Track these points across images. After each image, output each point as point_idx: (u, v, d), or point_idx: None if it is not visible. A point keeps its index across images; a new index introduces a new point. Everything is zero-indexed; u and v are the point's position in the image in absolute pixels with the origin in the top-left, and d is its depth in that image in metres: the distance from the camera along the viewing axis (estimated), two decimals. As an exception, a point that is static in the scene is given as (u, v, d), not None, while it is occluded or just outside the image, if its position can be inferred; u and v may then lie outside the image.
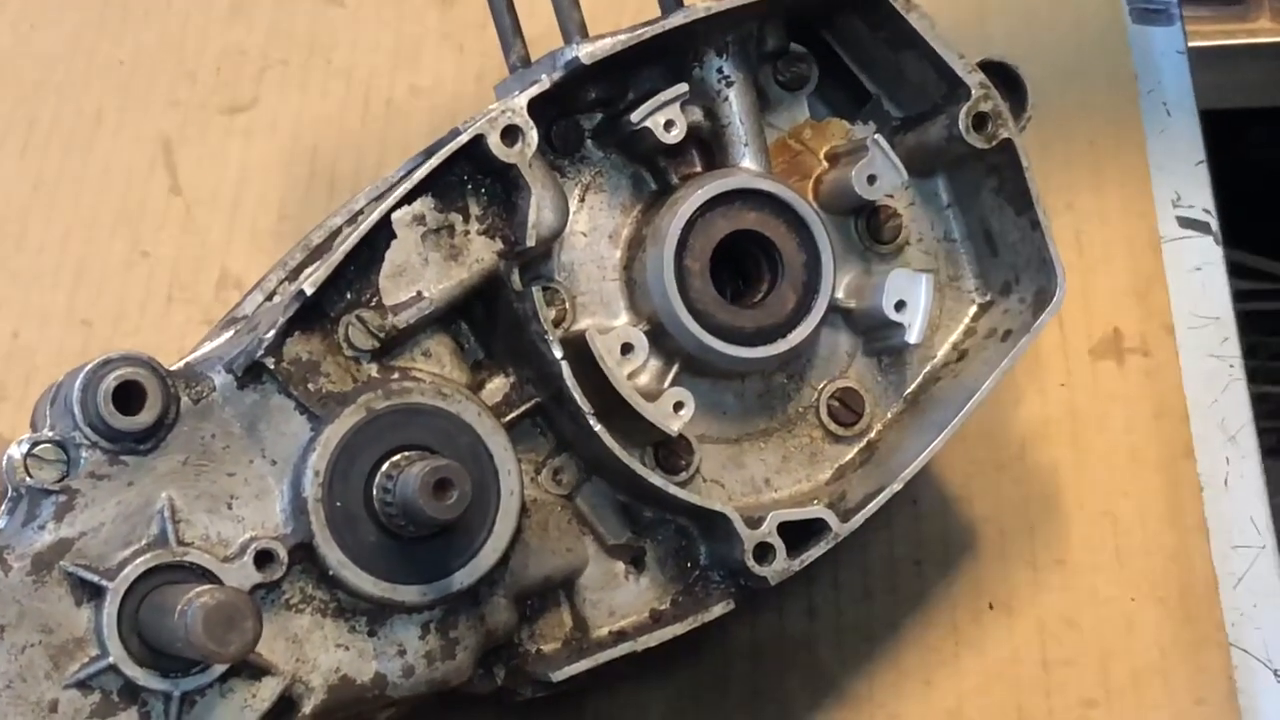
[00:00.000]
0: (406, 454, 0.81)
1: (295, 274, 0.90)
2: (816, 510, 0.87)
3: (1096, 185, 1.09)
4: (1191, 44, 1.19)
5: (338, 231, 0.91)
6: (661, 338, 0.88)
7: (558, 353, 0.84)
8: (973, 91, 0.90)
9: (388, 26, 1.21)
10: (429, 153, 0.89)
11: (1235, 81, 1.21)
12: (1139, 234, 1.08)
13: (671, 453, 0.89)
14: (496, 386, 0.87)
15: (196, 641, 0.71)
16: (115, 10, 1.28)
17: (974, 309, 0.95)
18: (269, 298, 0.90)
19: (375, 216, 0.82)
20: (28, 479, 0.79)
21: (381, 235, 0.83)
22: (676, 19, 0.87)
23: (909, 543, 0.96)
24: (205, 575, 0.79)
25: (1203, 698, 0.93)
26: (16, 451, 0.79)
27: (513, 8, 0.98)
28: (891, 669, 0.97)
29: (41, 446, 0.79)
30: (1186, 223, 1.09)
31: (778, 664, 0.96)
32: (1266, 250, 2.04)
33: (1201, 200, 1.10)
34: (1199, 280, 1.06)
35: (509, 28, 0.97)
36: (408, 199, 0.83)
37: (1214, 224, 1.09)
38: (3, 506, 0.81)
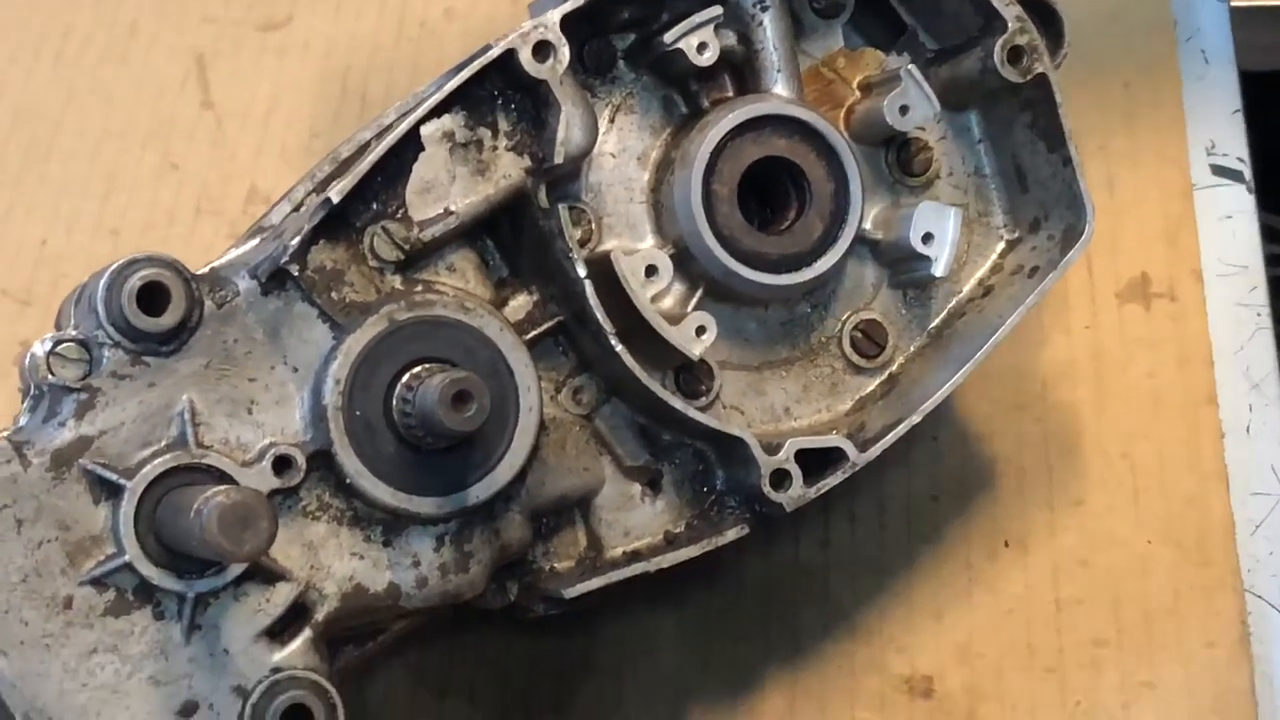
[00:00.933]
0: (427, 366, 0.81)
1: (323, 186, 0.90)
2: (835, 439, 0.87)
3: (1130, 129, 1.09)
4: (1235, 3, 1.19)
5: (366, 145, 0.91)
6: (687, 262, 0.88)
7: (581, 271, 0.84)
8: (1009, 25, 0.90)
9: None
10: (461, 68, 0.90)
11: (1264, 43, 1.21)
12: (1171, 179, 1.08)
13: (693, 377, 0.89)
14: (520, 304, 0.87)
15: (211, 539, 0.72)
16: None
17: (1002, 245, 0.95)
18: (296, 209, 0.90)
19: (404, 128, 0.82)
20: (50, 377, 0.80)
21: (409, 148, 0.83)
22: (719, -59, 0.87)
23: (927, 478, 0.96)
24: (223, 478, 0.80)
25: (1213, 641, 0.93)
26: (40, 349, 0.80)
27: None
28: (903, 603, 0.97)
29: (65, 345, 0.80)
30: (1220, 170, 1.08)
31: (790, 594, 0.97)
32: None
33: (1236, 149, 1.10)
34: (1229, 228, 1.06)
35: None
36: (436, 112, 0.83)
37: (1247, 173, 1.09)
38: (25, 404, 0.82)
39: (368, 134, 0.91)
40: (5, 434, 0.79)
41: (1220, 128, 1.11)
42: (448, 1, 1.18)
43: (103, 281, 0.79)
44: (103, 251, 1.07)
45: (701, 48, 0.87)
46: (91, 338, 0.80)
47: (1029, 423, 1.00)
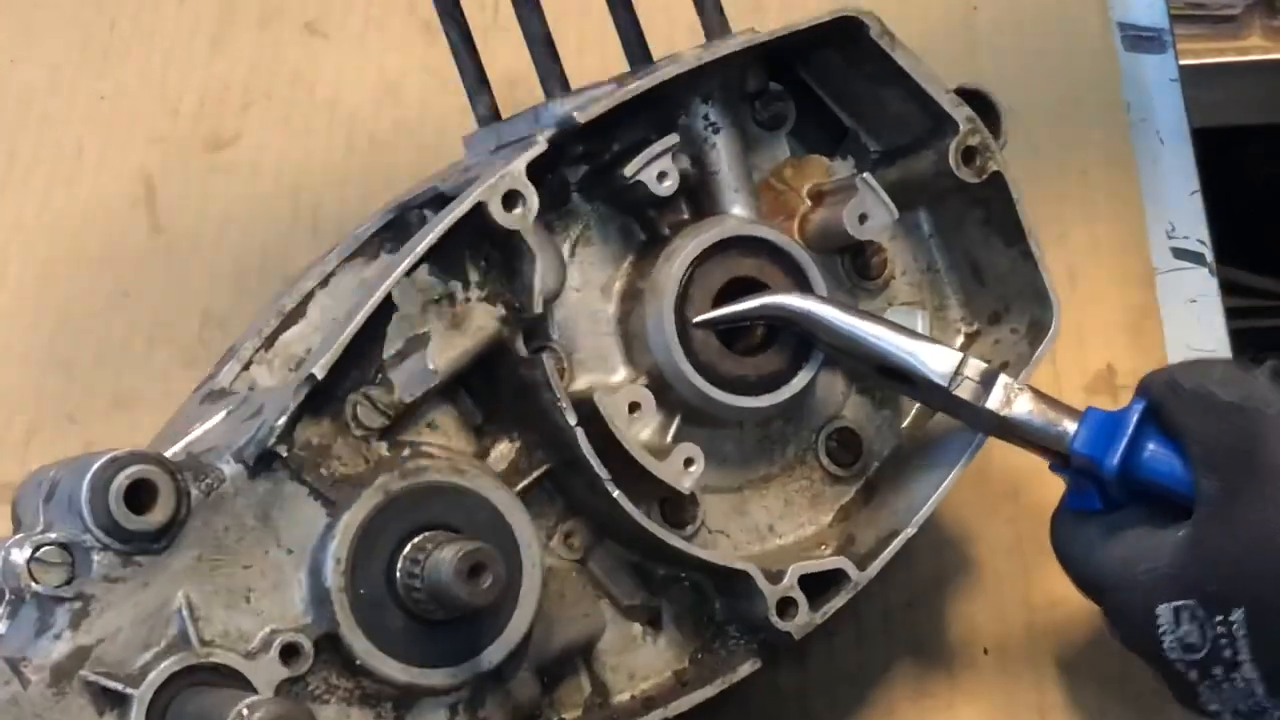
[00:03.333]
0: (429, 534, 0.81)
1: (270, 341, 0.90)
2: (836, 561, 0.88)
3: (1089, 217, 1.11)
4: (1184, 62, 1.21)
5: (310, 295, 0.91)
6: (662, 390, 0.88)
7: (572, 420, 0.84)
8: (960, 126, 0.91)
9: (371, 59, 1.21)
10: (404, 207, 0.89)
11: (1228, 99, 1.24)
12: (1132, 266, 1.10)
13: (677, 507, 0.89)
14: (502, 453, 0.86)
15: (255, 760, 0.71)
16: (97, 45, 1.28)
17: (961, 338, 0.96)
18: (245, 367, 0.90)
19: (378, 297, 0.81)
20: (34, 584, 0.78)
21: (383, 310, 0.82)
22: (669, 70, 0.86)
23: (901, 585, 0.96)
24: (232, 675, 0.78)
25: None
26: (19, 556, 0.78)
27: (476, 56, 0.98)
28: (884, 716, 0.98)
29: (45, 549, 0.78)
30: (1181, 253, 1.11)
31: (770, 713, 0.97)
32: (1262, 268, 2.09)
33: (1196, 231, 1.12)
34: (1194, 312, 1.08)
35: (474, 77, 0.97)
36: (410, 272, 0.83)
37: (1209, 255, 1.10)
38: (2, 609, 0.81)
39: (310, 283, 0.91)
40: (1, 654, 0.77)
41: (1179, 210, 1.13)
42: (396, 113, 1.17)
43: (86, 483, 0.77)
44: (56, 386, 1.05)
45: (661, 176, 0.88)
46: (77, 542, 0.78)
47: (1001, 524, 1.02)
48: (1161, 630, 0.83)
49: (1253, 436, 0.82)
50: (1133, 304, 1.10)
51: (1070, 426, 0.87)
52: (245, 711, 0.72)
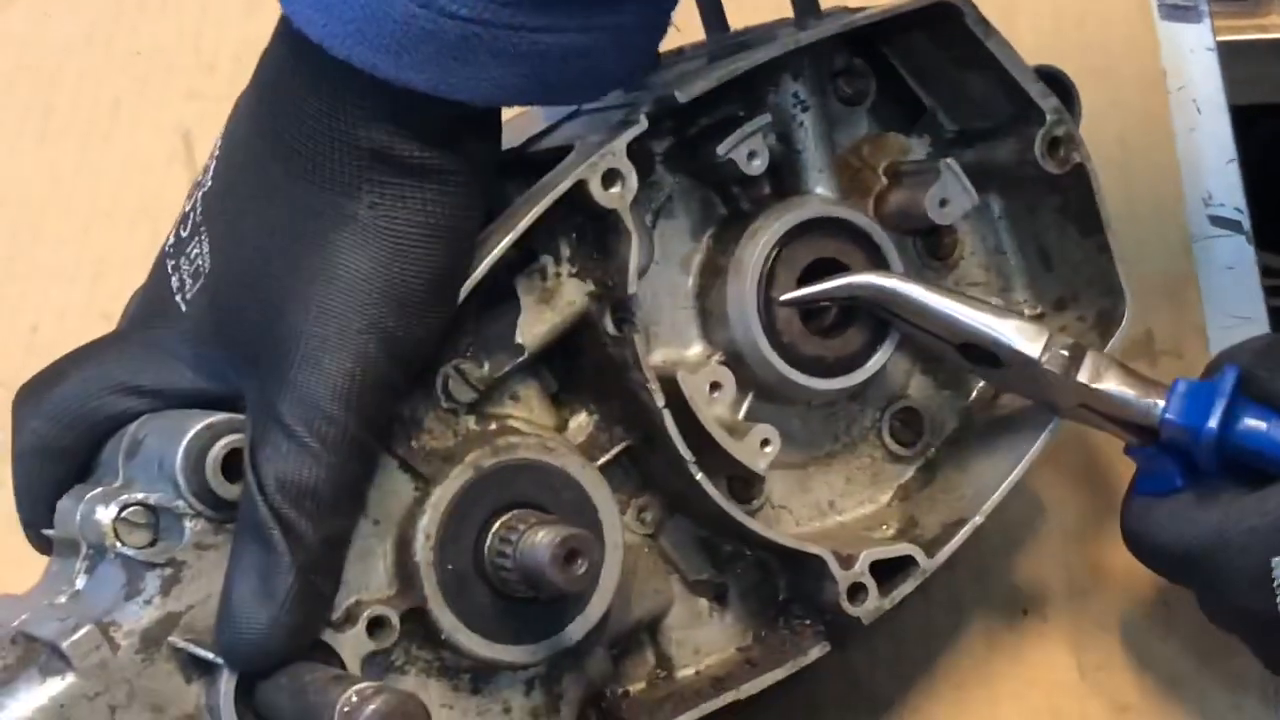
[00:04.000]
0: (518, 513, 0.81)
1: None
2: (907, 548, 0.89)
3: (1127, 184, 1.10)
4: None
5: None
6: (737, 367, 0.88)
7: (660, 402, 0.84)
8: (1048, 116, 0.91)
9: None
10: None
11: (1249, 76, 1.24)
12: (1170, 234, 1.11)
13: (745, 483, 0.90)
14: (580, 424, 0.87)
15: (367, 754, 0.71)
16: (132, 2, 1.25)
17: (1025, 321, 0.97)
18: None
19: (483, 268, 0.81)
20: (119, 545, 0.78)
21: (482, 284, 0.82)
22: (770, 51, 0.86)
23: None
24: (319, 646, 0.79)
25: (1238, 704, 0.95)
26: (104, 514, 0.78)
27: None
28: (924, 673, 0.98)
29: (132, 510, 0.78)
30: (1218, 221, 1.11)
31: (810, 668, 0.97)
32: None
33: (1233, 199, 1.12)
34: (1231, 279, 1.09)
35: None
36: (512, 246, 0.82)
37: (1246, 223, 1.11)
38: (78, 563, 0.80)
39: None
40: (91, 617, 0.77)
41: (1216, 178, 1.13)
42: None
43: (181, 450, 0.77)
44: (95, 336, 1.05)
45: (752, 155, 0.87)
46: (169, 507, 0.78)
47: (1044, 487, 1.02)
48: (1276, 584, 0.81)
49: None
50: (1170, 270, 1.10)
51: (1159, 398, 0.87)
52: (355, 698, 0.72)
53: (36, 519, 0.84)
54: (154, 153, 1.17)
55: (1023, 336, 0.87)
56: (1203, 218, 1.13)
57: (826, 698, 0.98)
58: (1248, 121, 1.23)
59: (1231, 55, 1.24)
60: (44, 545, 0.85)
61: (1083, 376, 0.87)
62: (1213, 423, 0.85)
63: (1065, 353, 0.88)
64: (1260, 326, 1.09)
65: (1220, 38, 1.24)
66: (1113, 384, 0.87)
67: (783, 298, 0.87)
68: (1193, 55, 1.22)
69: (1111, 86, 1.18)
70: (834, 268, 0.90)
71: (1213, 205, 1.13)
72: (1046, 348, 0.88)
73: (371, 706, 0.71)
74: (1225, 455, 0.86)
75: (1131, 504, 0.90)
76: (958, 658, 0.99)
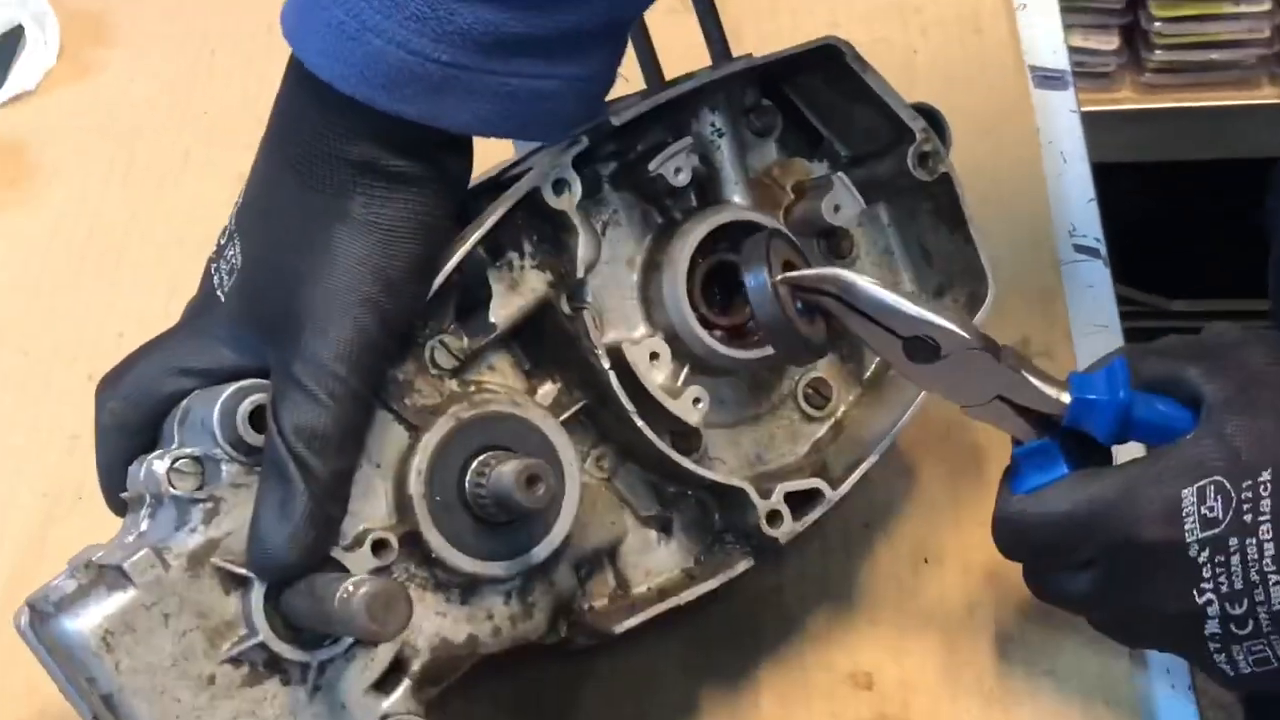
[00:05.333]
0: (492, 453, 0.81)
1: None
2: (814, 481, 0.89)
3: (1007, 219, 1.11)
4: None
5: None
6: (675, 344, 0.88)
7: (606, 364, 0.85)
8: (917, 135, 0.92)
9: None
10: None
11: (1103, 141, 1.25)
12: (1042, 258, 1.11)
13: (685, 438, 0.89)
14: (547, 391, 0.87)
15: (360, 623, 0.71)
16: (202, 70, 1.29)
17: (911, 307, 0.97)
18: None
19: (454, 262, 0.82)
20: (172, 490, 0.78)
21: (457, 272, 0.83)
22: (686, 85, 0.88)
23: (858, 509, 0.97)
24: (331, 562, 0.79)
25: (1097, 637, 0.92)
26: (160, 467, 0.78)
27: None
28: (845, 611, 0.97)
29: (182, 461, 0.79)
30: (1081, 249, 1.12)
31: (752, 607, 0.96)
32: (1135, 282, 2.11)
33: (1093, 231, 1.13)
34: (1090, 295, 1.09)
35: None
36: (481, 242, 0.83)
37: (1103, 250, 1.12)
38: (143, 511, 0.81)
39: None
40: (148, 544, 0.78)
41: (1079, 215, 1.14)
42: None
43: (217, 408, 0.78)
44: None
45: (677, 171, 0.88)
46: (208, 455, 0.79)
47: (937, 460, 1.02)
48: (1186, 511, 0.76)
49: (1239, 344, 0.80)
50: (1043, 287, 1.10)
51: (1062, 388, 0.82)
52: (351, 587, 0.72)
53: (114, 485, 0.84)
54: (216, 193, 1.17)
55: (964, 328, 0.83)
56: (1069, 246, 1.13)
57: (766, 628, 0.97)
58: (1109, 174, 1.24)
59: (1092, 121, 1.24)
60: (120, 508, 0.85)
61: (1006, 363, 0.83)
62: (1122, 393, 0.80)
63: (986, 345, 0.84)
64: (1115, 333, 1.09)
65: (1084, 108, 1.25)
66: (1028, 372, 0.83)
67: (778, 278, 0.84)
68: (1060, 116, 1.23)
69: (995, 140, 1.19)
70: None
71: (1076, 236, 1.14)
72: (976, 336, 0.83)
73: (364, 589, 0.71)
74: (1123, 430, 0.81)
75: (1011, 499, 0.83)
76: (872, 598, 0.98)
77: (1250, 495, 0.74)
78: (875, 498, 0.99)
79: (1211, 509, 0.75)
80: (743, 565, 0.88)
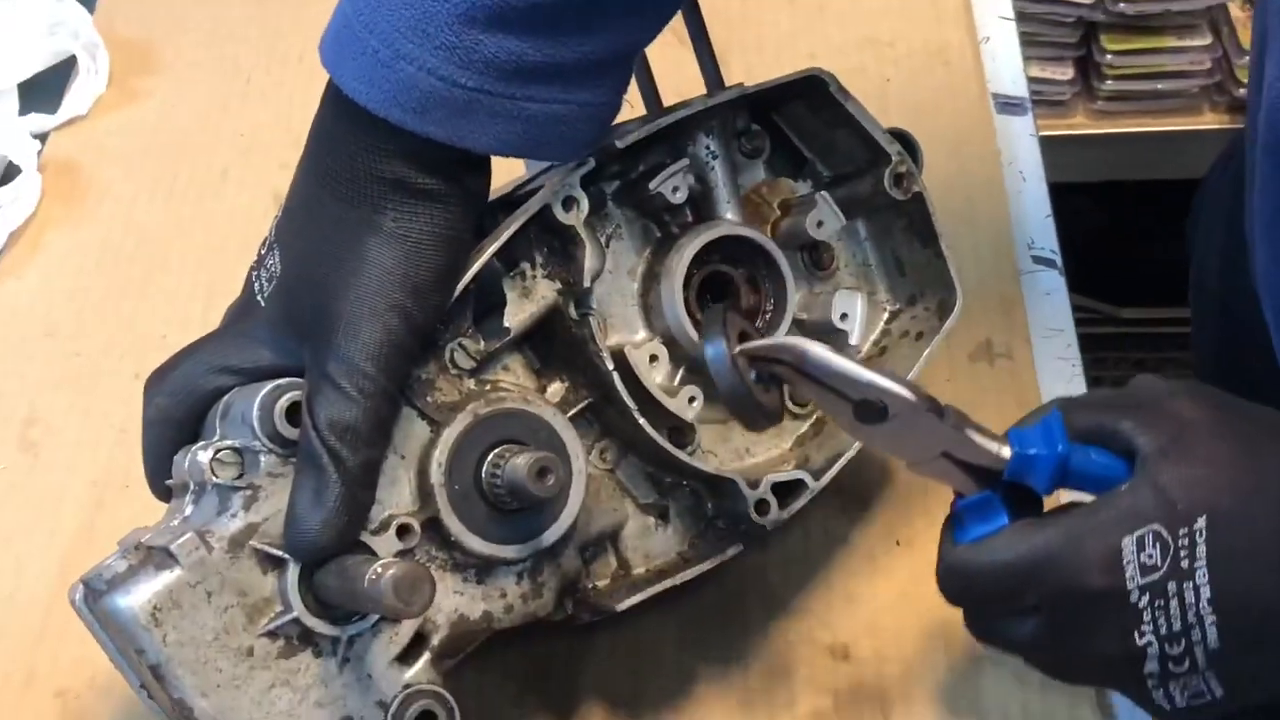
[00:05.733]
0: (505, 446, 0.82)
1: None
2: (798, 473, 0.89)
3: (971, 232, 1.13)
4: None
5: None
6: (672, 347, 0.89)
7: (610, 365, 0.85)
8: (892, 158, 0.93)
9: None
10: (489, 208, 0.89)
11: (1058, 162, 1.26)
12: (1004, 268, 1.12)
13: (681, 433, 0.90)
14: (555, 389, 0.87)
15: (388, 603, 0.72)
16: (237, 94, 1.30)
17: (887, 314, 0.97)
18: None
19: (475, 268, 0.82)
20: (214, 478, 0.79)
21: (474, 281, 0.83)
22: (683, 112, 0.88)
23: (836, 497, 0.97)
24: (360, 545, 0.79)
25: None
26: (204, 457, 0.79)
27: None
28: (825, 589, 0.98)
29: (223, 451, 0.79)
30: (1039, 260, 1.13)
31: (740, 586, 0.97)
32: (1088, 291, 2.12)
33: (1049, 244, 1.14)
34: (1047, 302, 1.09)
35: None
36: (496, 254, 0.84)
37: (1059, 261, 1.12)
38: (187, 497, 0.81)
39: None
40: (192, 528, 0.78)
41: (1037, 229, 1.15)
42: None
43: (256, 404, 0.78)
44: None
45: (675, 190, 0.89)
46: (249, 447, 0.79)
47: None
48: (1126, 559, 0.73)
49: (1168, 396, 0.77)
50: (1004, 294, 1.11)
51: (1003, 442, 0.78)
52: (380, 569, 0.73)
53: (159, 473, 0.85)
54: (251, 207, 1.19)
55: (911, 392, 0.78)
56: (1028, 257, 1.14)
57: (753, 606, 0.98)
58: (1065, 193, 1.25)
59: (1049, 145, 1.25)
60: (165, 494, 0.85)
61: (948, 423, 0.78)
62: (1060, 446, 0.76)
63: (932, 406, 0.78)
64: (1070, 336, 1.09)
65: (1041, 133, 1.26)
66: (970, 428, 0.78)
67: (735, 350, 0.81)
68: (1020, 140, 1.23)
69: (960, 160, 1.20)
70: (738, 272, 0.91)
71: (1035, 248, 1.15)
72: (923, 399, 0.79)
73: (391, 572, 0.72)
74: (1061, 481, 0.78)
75: (954, 549, 0.80)
76: (850, 577, 0.99)
77: (1186, 542, 0.73)
78: (851, 487, 1.00)
79: (1150, 556, 0.73)
80: (733, 549, 0.89)
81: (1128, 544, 0.74)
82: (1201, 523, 0.72)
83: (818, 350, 0.79)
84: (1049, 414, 0.78)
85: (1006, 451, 0.78)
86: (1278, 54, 0.82)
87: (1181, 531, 0.73)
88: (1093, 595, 0.75)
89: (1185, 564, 0.73)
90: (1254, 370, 1.01)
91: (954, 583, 0.80)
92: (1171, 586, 0.73)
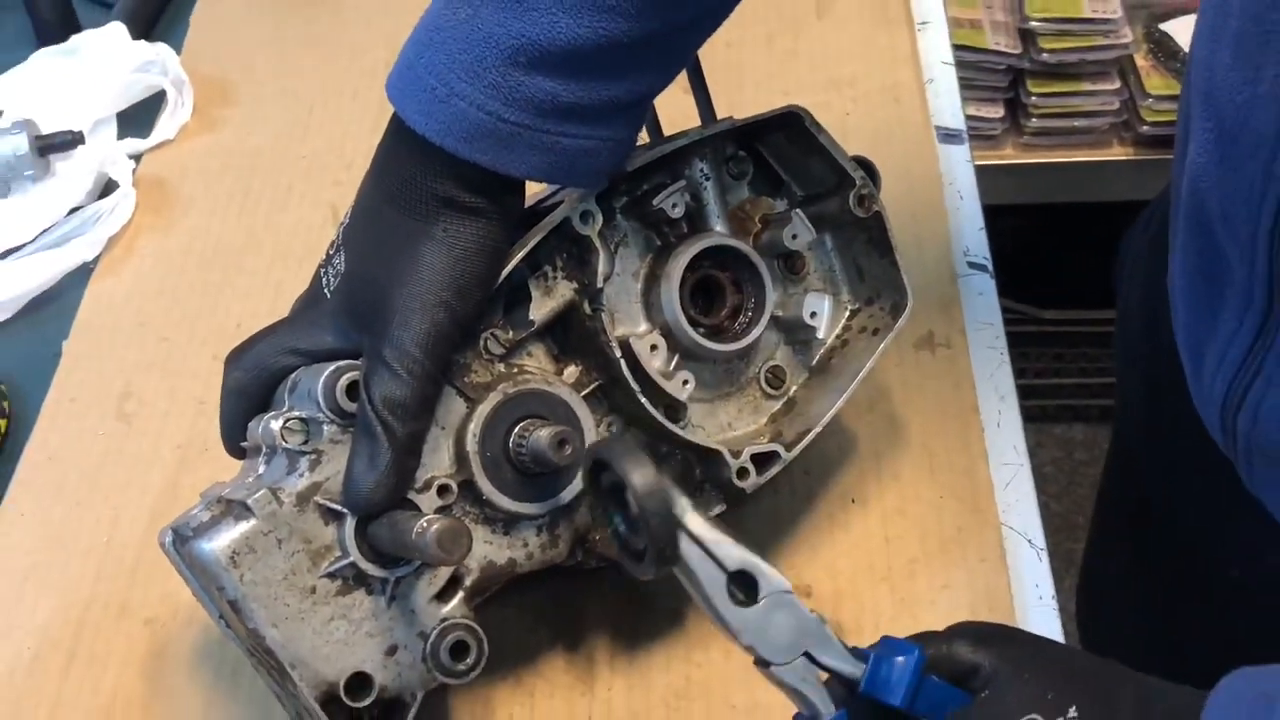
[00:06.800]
0: (530, 420, 0.82)
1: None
2: (772, 445, 0.89)
3: (917, 241, 1.12)
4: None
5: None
6: (669, 338, 0.89)
7: (617, 353, 0.85)
8: (856, 182, 0.93)
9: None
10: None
11: (991, 187, 1.26)
12: (944, 272, 1.11)
13: (674, 410, 0.90)
14: (571, 372, 0.87)
15: (432, 553, 0.72)
16: (300, 124, 1.29)
17: (848, 313, 0.97)
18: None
19: (506, 270, 0.82)
20: (284, 443, 0.79)
21: (505, 281, 0.83)
22: (680, 141, 0.88)
23: (803, 461, 0.95)
24: (406, 502, 0.80)
25: (985, 558, 0.94)
26: (275, 425, 0.79)
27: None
28: (791, 538, 0.98)
29: (291, 421, 0.79)
30: (974, 265, 1.12)
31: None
32: (1014, 296, 2.12)
33: (982, 252, 1.13)
34: (981, 301, 1.09)
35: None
36: (523, 259, 0.84)
37: (990, 266, 1.12)
38: (260, 459, 0.81)
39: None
40: (265, 485, 0.78)
41: (972, 239, 1.14)
42: None
43: (321, 382, 0.78)
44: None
45: (674, 205, 0.89)
46: (314, 418, 0.79)
47: (863, 426, 1.02)
48: None
49: (1009, 637, 0.71)
50: (944, 294, 1.11)
51: (861, 660, 0.67)
52: (425, 524, 0.73)
53: (234, 438, 0.85)
54: (312, 219, 1.18)
55: (774, 577, 0.68)
56: (964, 263, 1.14)
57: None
58: (996, 213, 1.25)
59: (982, 172, 1.25)
60: (238, 455, 0.85)
61: (816, 616, 0.68)
62: (909, 676, 0.66)
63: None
64: (998, 329, 1.09)
65: (976, 162, 1.26)
66: (832, 632, 0.68)
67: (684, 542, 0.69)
68: (958, 165, 1.23)
69: (909, 182, 1.20)
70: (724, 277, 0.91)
71: (970, 255, 1.14)
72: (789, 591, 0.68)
73: (435, 526, 0.72)
74: (912, 700, 0.67)
75: None
76: (811, 531, 0.99)
77: None
78: (815, 453, 0.99)
79: None
80: (718, 508, 0.89)
81: None
82: (1073, 712, 0.65)
83: (694, 526, 0.68)
84: (911, 653, 0.67)
85: (861, 668, 0.67)
86: (1199, 137, 0.81)
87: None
88: None
89: None
90: (1170, 395, 1.00)
91: None
92: None
